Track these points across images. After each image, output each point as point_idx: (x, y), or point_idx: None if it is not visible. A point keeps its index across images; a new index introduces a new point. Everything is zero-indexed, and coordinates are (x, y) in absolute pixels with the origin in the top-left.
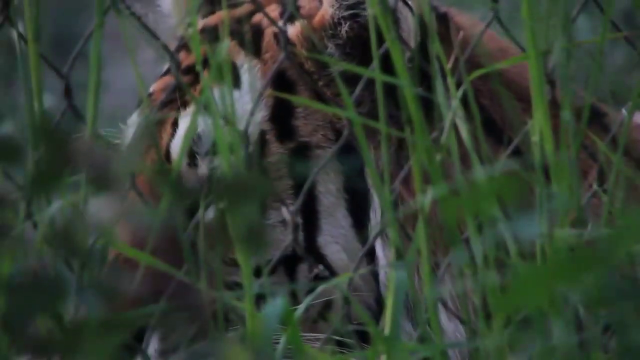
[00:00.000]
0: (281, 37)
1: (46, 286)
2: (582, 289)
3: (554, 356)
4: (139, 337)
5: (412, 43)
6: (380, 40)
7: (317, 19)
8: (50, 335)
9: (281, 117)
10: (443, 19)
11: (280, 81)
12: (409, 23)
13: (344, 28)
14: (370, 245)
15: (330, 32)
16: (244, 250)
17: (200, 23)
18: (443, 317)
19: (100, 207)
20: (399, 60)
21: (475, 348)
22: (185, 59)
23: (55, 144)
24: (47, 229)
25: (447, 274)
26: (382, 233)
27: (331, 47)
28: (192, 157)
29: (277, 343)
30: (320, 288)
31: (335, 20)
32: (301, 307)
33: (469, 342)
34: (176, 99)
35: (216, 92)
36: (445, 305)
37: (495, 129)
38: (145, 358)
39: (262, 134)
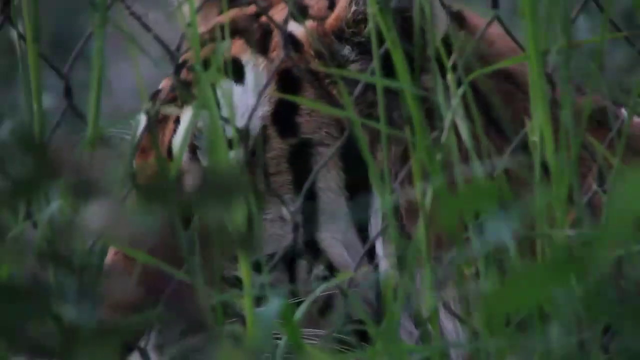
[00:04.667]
0: (281, 35)
1: (41, 290)
2: (579, 291)
3: (553, 357)
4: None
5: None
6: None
7: (333, 17)
8: (47, 339)
9: (284, 113)
10: (457, 18)
11: (286, 79)
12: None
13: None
14: (371, 243)
15: (351, 30)
16: (239, 249)
17: (214, 20)
18: (443, 315)
19: (95, 211)
20: (400, 61)
21: (476, 349)
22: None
23: (36, 152)
24: (44, 231)
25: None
26: (382, 231)
27: (347, 48)
28: (193, 151)
29: (278, 340)
30: (321, 288)
31: (358, 17)
32: (301, 309)
33: (469, 342)
34: (179, 96)
35: (220, 89)
36: (444, 304)
37: (505, 128)
38: (145, 357)
39: (264, 129)
